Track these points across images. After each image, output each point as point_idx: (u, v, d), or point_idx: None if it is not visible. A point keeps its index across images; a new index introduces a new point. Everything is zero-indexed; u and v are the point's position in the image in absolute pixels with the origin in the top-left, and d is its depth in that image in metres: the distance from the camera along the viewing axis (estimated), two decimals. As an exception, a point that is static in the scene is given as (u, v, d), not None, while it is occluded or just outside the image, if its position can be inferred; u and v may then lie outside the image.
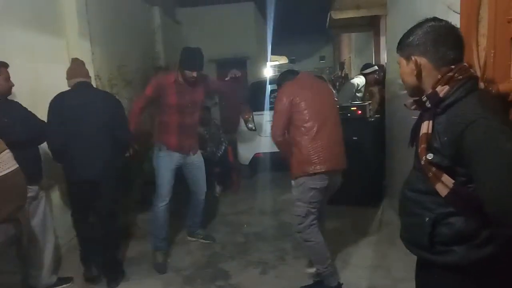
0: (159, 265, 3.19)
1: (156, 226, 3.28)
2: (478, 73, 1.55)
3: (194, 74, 3.12)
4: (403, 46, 1.33)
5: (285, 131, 2.62)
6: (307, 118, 2.54)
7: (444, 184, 1.19)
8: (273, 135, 2.61)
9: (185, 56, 3.16)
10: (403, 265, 2.76)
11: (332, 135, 2.60)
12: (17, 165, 2.00)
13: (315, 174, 2.51)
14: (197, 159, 3.47)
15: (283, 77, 2.87)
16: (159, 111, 3.33)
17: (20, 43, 3.11)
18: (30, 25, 3.26)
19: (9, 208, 1.97)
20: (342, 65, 12.06)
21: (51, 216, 2.91)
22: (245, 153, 5.59)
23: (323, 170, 2.51)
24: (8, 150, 1.98)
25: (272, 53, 12.80)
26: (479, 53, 1.60)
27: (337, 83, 9.01)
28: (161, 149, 3.27)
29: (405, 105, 1.38)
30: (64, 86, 3.88)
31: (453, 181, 1.18)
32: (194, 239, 3.68)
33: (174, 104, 3.20)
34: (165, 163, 3.26)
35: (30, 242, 2.47)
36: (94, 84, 4.06)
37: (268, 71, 12.41)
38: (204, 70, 3.26)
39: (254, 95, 5.81)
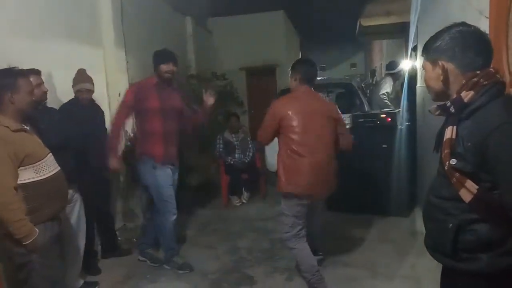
0: (182, 265, 3.24)
1: (169, 238, 3.26)
2: (508, 78, 1.51)
3: (171, 66, 3.06)
4: (430, 50, 1.32)
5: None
6: (297, 141, 2.56)
7: (468, 190, 1.17)
8: (261, 141, 2.84)
9: (157, 55, 3.14)
10: (433, 276, 2.66)
11: (320, 161, 2.60)
12: (59, 168, 2.14)
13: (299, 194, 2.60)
14: (176, 176, 3.29)
15: (298, 67, 2.77)
16: (139, 120, 3.20)
17: (60, 54, 3.31)
18: (70, 37, 3.46)
19: (54, 207, 2.11)
20: (373, 73, 11.89)
21: (84, 220, 2.99)
22: (273, 160, 5.59)
23: (306, 194, 2.59)
24: (51, 154, 2.12)
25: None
26: (509, 58, 1.57)
27: (368, 91, 8.89)
28: (155, 167, 3.09)
29: (429, 110, 1.37)
30: (101, 94, 4.08)
31: (477, 186, 1.16)
32: (143, 259, 3.44)
33: (157, 109, 3.06)
34: (163, 180, 3.11)
35: (66, 242, 2.60)
36: (128, 92, 4.25)
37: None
38: (232, 78, 3.29)
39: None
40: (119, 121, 3.15)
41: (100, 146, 3.23)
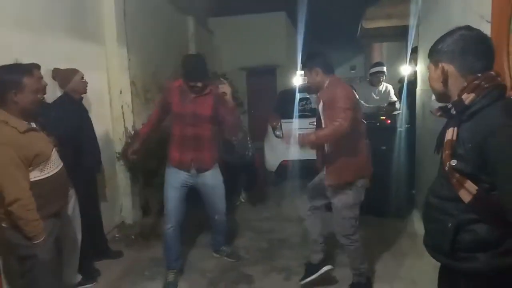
0: (169, 285, 3.03)
1: (165, 248, 3.11)
2: (508, 82, 1.53)
3: (198, 84, 2.86)
4: (433, 52, 1.36)
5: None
6: (362, 124, 2.67)
7: (468, 191, 1.19)
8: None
9: (186, 66, 2.90)
10: (430, 278, 2.68)
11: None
12: (62, 164, 2.15)
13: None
14: (210, 179, 3.09)
15: (317, 60, 2.70)
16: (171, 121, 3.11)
17: (63, 52, 3.29)
18: (72, 34, 3.45)
19: (58, 204, 2.13)
20: (373, 75, 11.89)
21: (79, 216, 2.86)
22: (272, 160, 5.63)
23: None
24: (55, 150, 2.13)
25: (302, 62, 12.83)
26: (510, 62, 1.59)
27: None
28: (168, 165, 3.05)
29: (431, 111, 1.39)
30: (103, 92, 4.06)
31: (476, 187, 1.18)
32: (218, 255, 3.50)
33: (176, 112, 2.94)
34: (171, 180, 3.01)
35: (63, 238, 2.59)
36: (129, 90, 4.26)
37: (298, 79, 12.44)
38: (232, 78, 3.21)
39: (283, 103, 5.85)
40: (149, 120, 3.21)
41: (92, 144, 3.20)
